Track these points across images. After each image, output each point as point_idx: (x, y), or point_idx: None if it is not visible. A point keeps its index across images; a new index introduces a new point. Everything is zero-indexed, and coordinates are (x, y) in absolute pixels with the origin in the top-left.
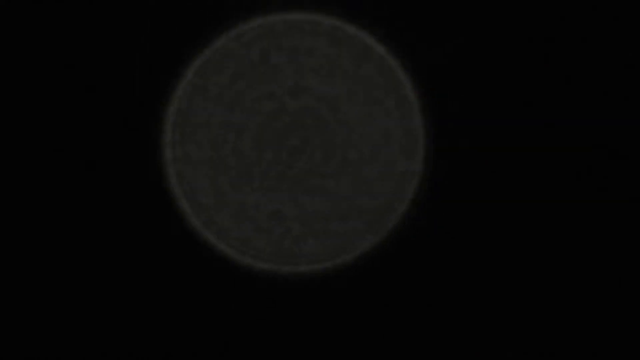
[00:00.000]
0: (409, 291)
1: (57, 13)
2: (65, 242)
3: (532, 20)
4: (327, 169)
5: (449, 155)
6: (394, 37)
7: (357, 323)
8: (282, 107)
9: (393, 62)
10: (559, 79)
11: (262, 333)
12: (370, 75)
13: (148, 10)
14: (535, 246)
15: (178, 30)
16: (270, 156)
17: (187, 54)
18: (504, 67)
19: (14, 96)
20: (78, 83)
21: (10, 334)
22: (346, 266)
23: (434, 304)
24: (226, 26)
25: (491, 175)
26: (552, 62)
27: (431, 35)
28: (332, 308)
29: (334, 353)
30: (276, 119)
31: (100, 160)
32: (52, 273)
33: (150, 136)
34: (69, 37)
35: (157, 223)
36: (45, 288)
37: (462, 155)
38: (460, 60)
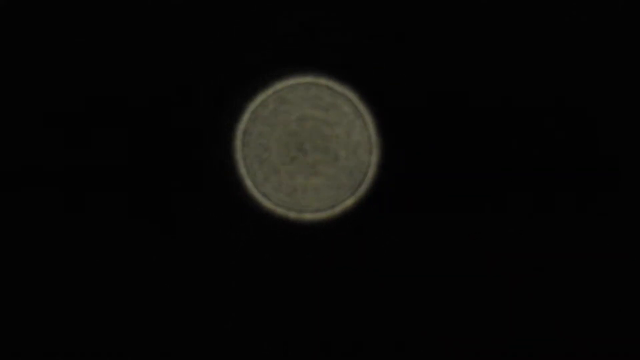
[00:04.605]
0: (379, 234)
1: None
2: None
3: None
4: (324, 160)
5: (396, 151)
6: (362, 87)
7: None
8: (298, 128)
9: (360, 102)
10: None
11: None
12: (346, 111)
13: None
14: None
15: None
16: (292, 154)
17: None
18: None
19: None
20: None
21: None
22: (336, 217)
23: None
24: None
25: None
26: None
27: (384, 85)
28: (326, 244)
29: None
30: (295, 134)
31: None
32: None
33: (227, 144)
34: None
35: (230, 192)
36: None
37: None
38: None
